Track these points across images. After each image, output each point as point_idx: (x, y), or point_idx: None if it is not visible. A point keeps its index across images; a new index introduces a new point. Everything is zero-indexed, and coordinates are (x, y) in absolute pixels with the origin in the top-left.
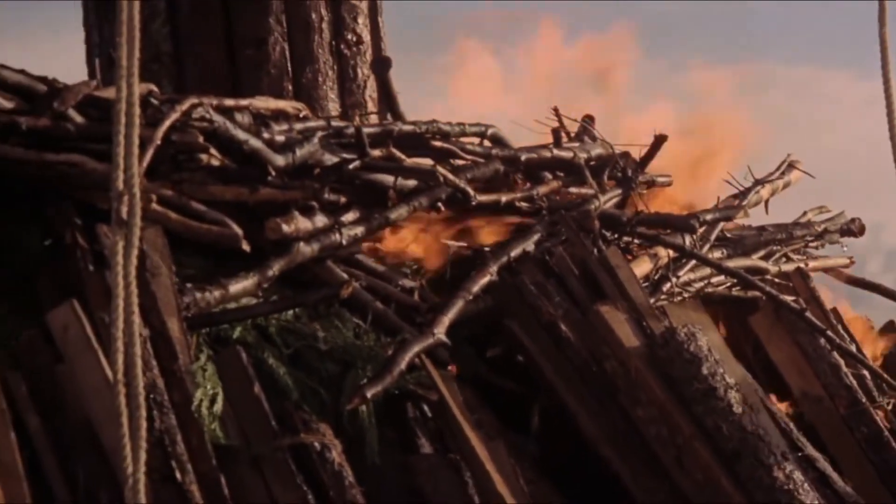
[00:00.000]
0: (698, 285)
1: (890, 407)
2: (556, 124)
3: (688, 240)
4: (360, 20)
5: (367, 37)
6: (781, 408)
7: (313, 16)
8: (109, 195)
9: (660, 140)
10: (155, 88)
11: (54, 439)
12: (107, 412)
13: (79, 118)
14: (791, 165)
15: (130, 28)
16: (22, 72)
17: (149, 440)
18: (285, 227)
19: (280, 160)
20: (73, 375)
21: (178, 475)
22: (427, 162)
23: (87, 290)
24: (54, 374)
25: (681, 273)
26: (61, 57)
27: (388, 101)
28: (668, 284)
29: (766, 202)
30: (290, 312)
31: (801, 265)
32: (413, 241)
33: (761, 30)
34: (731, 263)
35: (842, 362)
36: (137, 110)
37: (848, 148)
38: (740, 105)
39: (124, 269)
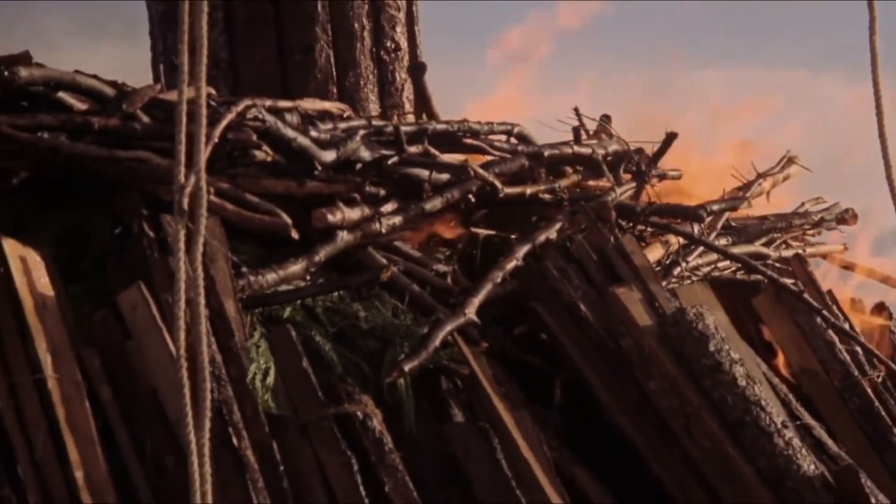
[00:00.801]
0: (706, 269)
1: (879, 380)
2: (577, 123)
3: (696, 228)
4: (399, 29)
5: (404, 44)
6: (781, 381)
7: (356, 25)
8: (172, 188)
9: (670, 137)
10: (213, 91)
11: (124, 409)
12: (171, 384)
13: (145, 118)
14: (790, 161)
15: (198, 37)
16: (94, 77)
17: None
18: (330, 217)
19: (326, 156)
20: (141, 351)
21: (234, 441)
22: (459, 157)
23: (152, 274)
24: (124, 350)
25: (690, 258)
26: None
27: (423, 102)
28: (679, 269)
29: (768, 194)
30: (335, 294)
31: (800, 251)
32: None
33: (756, 32)
34: (736, 250)
35: (836, 339)
36: (204, 111)
37: (841, 145)
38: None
39: (187, 255)
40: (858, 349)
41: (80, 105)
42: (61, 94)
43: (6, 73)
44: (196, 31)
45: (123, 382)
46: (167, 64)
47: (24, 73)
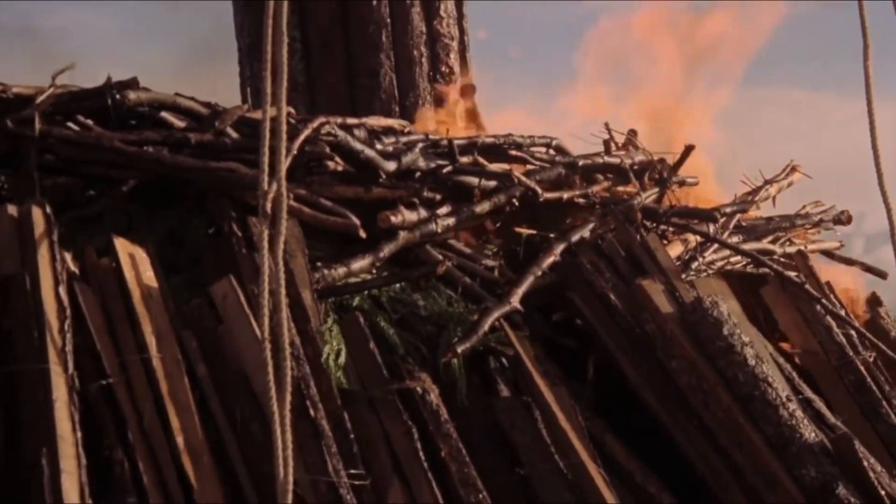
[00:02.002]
0: (720, 264)
1: (871, 359)
2: (607, 136)
3: (711, 228)
4: (452, 56)
5: (457, 69)
6: (785, 360)
7: (415, 53)
8: (257, 194)
9: (688, 150)
10: (293, 111)
11: (217, 383)
12: (256, 363)
13: (234, 134)
14: (793, 169)
15: (279, 64)
16: (192, 99)
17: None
18: (393, 219)
19: (389, 166)
20: (231, 334)
21: (311, 412)
22: (504, 167)
23: (240, 268)
24: (217, 333)
25: (706, 254)
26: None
27: (474, 118)
28: (696, 263)
29: (774, 198)
30: (397, 285)
31: (802, 248)
32: None
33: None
34: (746, 246)
35: (833, 324)
36: (284, 127)
37: (838, 155)
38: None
39: (270, 252)
40: (853, 332)
41: (179, 123)
42: (163, 114)
43: (118, 96)
44: (277, 59)
45: (216, 361)
46: (253, 88)
47: (132, 96)
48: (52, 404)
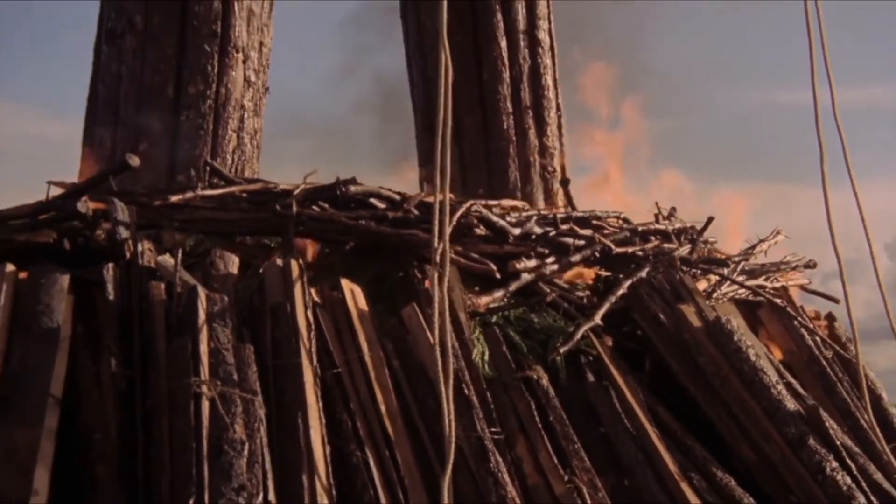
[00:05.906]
0: (731, 294)
1: (831, 356)
2: (656, 211)
3: (725, 270)
4: (556, 160)
5: (558, 168)
6: (775, 356)
7: (531, 158)
8: (430, 250)
9: (709, 221)
10: (452, 196)
11: (406, 373)
12: (430, 360)
13: (416, 211)
14: (778, 232)
15: (444, 167)
16: (388, 189)
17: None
18: (518, 266)
19: (515, 231)
20: (414, 341)
21: (465, 391)
22: (589, 231)
23: (420, 299)
24: (406, 341)
25: (722, 288)
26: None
27: (569, 200)
28: (715, 294)
29: (766, 251)
30: (520, 309)
31: (784, 283)
32: None
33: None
34: (748, 283)
35: (805, 333)
36: (448, 208)
37: (804, 224)
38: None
39: (439, 288)
40: (818, 338)
41: (381, 205)
42: (372, 199)
43: (343, 189)
44: (443, 163)
45: (405, 358)
46: (428, 182)
47: (352, 188)
48: (303, 385)
